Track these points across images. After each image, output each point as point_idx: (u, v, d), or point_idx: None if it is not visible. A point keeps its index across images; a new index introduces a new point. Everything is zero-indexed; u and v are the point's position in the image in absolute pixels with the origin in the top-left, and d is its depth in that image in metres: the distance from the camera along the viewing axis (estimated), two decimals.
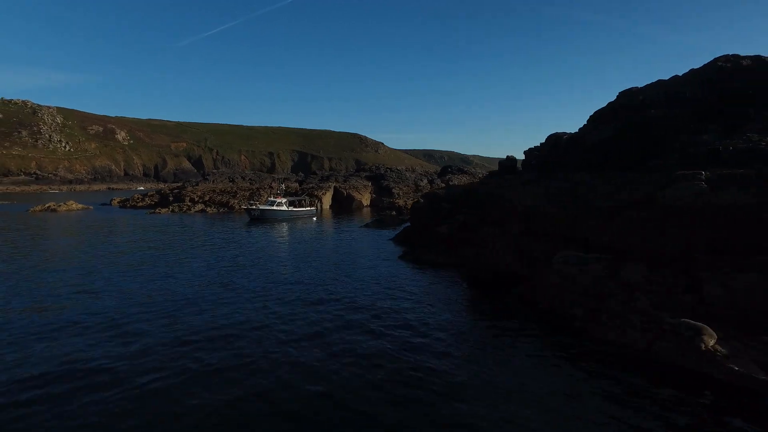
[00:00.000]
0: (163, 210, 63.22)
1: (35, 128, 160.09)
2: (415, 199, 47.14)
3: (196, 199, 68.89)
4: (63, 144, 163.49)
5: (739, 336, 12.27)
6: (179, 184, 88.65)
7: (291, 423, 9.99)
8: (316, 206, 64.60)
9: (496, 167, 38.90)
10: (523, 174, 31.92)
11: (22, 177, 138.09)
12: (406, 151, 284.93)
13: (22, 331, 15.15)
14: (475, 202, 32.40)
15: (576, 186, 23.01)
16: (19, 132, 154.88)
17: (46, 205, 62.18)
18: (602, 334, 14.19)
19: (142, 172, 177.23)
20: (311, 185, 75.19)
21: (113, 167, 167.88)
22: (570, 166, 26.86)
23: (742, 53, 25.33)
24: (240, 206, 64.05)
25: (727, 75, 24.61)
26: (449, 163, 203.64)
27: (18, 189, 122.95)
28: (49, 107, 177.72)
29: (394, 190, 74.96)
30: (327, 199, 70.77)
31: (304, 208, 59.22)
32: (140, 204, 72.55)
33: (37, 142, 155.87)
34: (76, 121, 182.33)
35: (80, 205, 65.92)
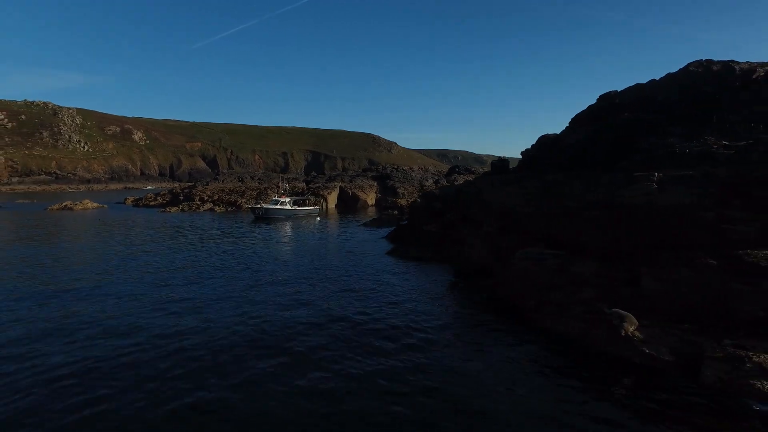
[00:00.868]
0: (173, 209, 65.48)
1: (56, 129, 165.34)
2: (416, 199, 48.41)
3: (206, 198, 71.09)
4: (82, 144, 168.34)
5: (663, 324, 13.39)
6: (191, 184, 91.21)
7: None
8: (321, 205, 66.21)
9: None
10: (509, 174, 33.02)
11: (43, 176, 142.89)
12: (420, 151, 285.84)
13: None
14: (463, 201, 33.64)
15: (549, 186, 24.13)
16: (41, 133, 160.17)
17: (63, 204, 65.04)
18: (545, 324, 15.39)
19: (158, 171, 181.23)
20: (317, 185, 76.75)
21: (130, 167, 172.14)
22: (550, 166, 27.94)
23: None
24: (246, 205, 66.02)
25: (699, 79, 25.49)
26: (462, 163, 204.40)
27: (39, 188, 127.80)
28: (68, 108, 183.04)
29: (399, 190, 75.65)
30: (332, 199, 72.22)
31: (307, 207, 60.88)
32: (152, 203, 75.06)
33: (57, 142, 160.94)
34: (94, 121, 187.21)
35: (95, 204, 68.70)
